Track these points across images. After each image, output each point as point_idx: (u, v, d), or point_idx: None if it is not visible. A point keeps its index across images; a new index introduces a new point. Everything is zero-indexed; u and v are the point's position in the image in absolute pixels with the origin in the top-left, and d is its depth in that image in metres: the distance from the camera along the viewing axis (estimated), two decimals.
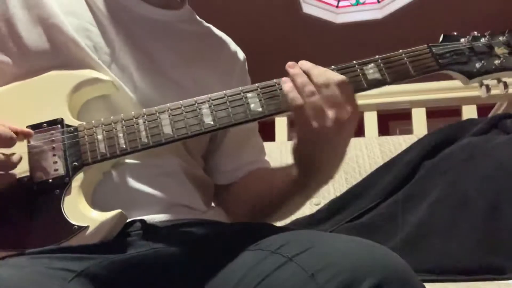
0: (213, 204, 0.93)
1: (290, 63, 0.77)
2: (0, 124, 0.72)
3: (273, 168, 0.94)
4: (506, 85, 0.83)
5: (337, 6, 5.19)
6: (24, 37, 0.80)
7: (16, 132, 0.73)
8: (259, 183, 0.93)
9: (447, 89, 2.14)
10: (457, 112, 2.28)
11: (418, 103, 2.23)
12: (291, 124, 2.33)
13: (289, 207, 0.92)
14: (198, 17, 0.99)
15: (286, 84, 0.75)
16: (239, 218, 0.95)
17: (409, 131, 2.14)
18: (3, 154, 0.71)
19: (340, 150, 0.78)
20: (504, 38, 0.83)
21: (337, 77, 0.74)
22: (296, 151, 0.79)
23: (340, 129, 0.73)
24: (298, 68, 0.76)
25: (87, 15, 0.83)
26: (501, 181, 1.28)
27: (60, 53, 0.80)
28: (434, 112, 2.45)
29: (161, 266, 0.72)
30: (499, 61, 0.81)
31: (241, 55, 1.00)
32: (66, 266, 0.64)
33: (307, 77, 0.74)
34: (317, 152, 0.77)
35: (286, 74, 0.79)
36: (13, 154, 0.72)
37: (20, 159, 0.72)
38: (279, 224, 1.51)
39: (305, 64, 0.76)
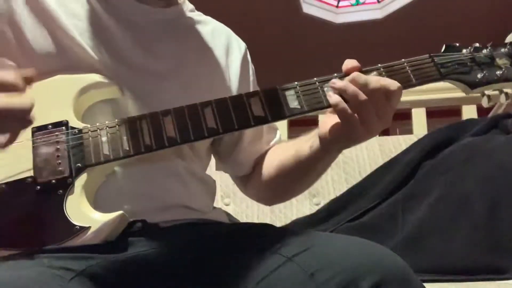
0: (214, 205, 0.93)
1: (334, 80, 0.76)
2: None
3: (294, 141, 0.94)
4: (508, 96, 0.83)
5: (337, 6, 5.19)
6: (30, 40, 0.80)
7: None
8: (276, 157, 0.95)
9: (447, 89, 2.13)
10: (457, 112, 2.28)
11: (418, 103, 2.23)
12: (290, 124, 2.33)
13: (315, 174, 0.92)
14: (196, 11, 0.99)
15: (332, 97, 0.75)
16: (270, 198, 1.00)
17: (409, 131, 2.14)
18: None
19: None
20: (506, 49, 0.83)
21: (392, 86, 0.75)
22: (327, 142, 0.80)
23: (379, 129, 0.76)
24: (344, 82, 0.75)
25: (91, 18, 0.83)
26: (501, 181, 1.28)
27: (65, 56, 0.80)
28: (434, 112, 2.45)
29: (161, 266, 0.72)
30: (500, 72, 0.81)
31: (242, 45, 1.00)
32: (67, 265, 0.65)
33: (359, 87, 0.73)
34: (351, 144, 0.79)
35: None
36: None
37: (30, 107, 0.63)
38: (279, 224, 1.52)
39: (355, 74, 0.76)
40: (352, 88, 0.73)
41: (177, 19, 0.92)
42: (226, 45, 0.97)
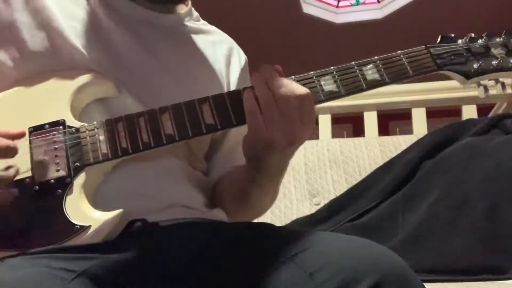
0: None
1: (254, 74, 0.75)
2: None
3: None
4: (504, 86, 0.83)
5: (337, 6, 5.19)
6: (27, 41, 0.80)
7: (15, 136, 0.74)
8: (226, 179, 0.93)
9: (447, 89, 2.14)
10: (457, 112, 2.29)
11: (418, 103, 2.23)
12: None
13: (249, 201, 0.90)
14: (202, 20, 0.99)
15: (246, 93, 0.74)
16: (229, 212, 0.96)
17: (409, 131, 2.14)
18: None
19: (286, 158, 0.79)
20: (501, 39, 0.84)
21: (298, 90, 0.73)
22: (245, 152, 0.79)
23: (291, 142, 0.73)
24: (259, 78, 0.74)
25: (90, 20, 0.83)
26: (501, 181, 1.29)
27: (62, 58, 0.80)
28: (434, 112, 2.45)
29: (162, 266, 0.72)
30: (496, 62, 0.82)
31: (242, 57, 1.00)
32: (67, 266, 0.65)
33: (267, 87, 0.73)
34: (265, 157, 0.76)
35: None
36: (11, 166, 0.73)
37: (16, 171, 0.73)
38: (279, 224, 1.52)
39: (268, 72, 0.75)
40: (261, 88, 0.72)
41: (177, 26, 0.92)
42: (228, 56, 0.97)
